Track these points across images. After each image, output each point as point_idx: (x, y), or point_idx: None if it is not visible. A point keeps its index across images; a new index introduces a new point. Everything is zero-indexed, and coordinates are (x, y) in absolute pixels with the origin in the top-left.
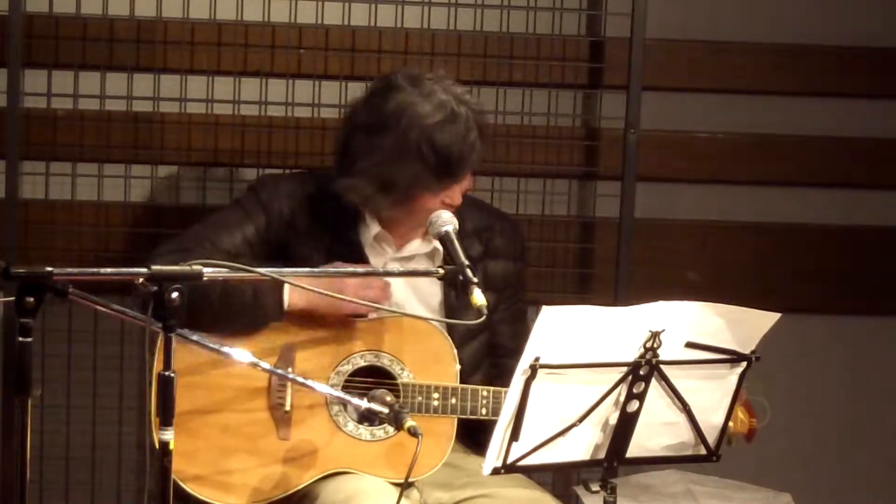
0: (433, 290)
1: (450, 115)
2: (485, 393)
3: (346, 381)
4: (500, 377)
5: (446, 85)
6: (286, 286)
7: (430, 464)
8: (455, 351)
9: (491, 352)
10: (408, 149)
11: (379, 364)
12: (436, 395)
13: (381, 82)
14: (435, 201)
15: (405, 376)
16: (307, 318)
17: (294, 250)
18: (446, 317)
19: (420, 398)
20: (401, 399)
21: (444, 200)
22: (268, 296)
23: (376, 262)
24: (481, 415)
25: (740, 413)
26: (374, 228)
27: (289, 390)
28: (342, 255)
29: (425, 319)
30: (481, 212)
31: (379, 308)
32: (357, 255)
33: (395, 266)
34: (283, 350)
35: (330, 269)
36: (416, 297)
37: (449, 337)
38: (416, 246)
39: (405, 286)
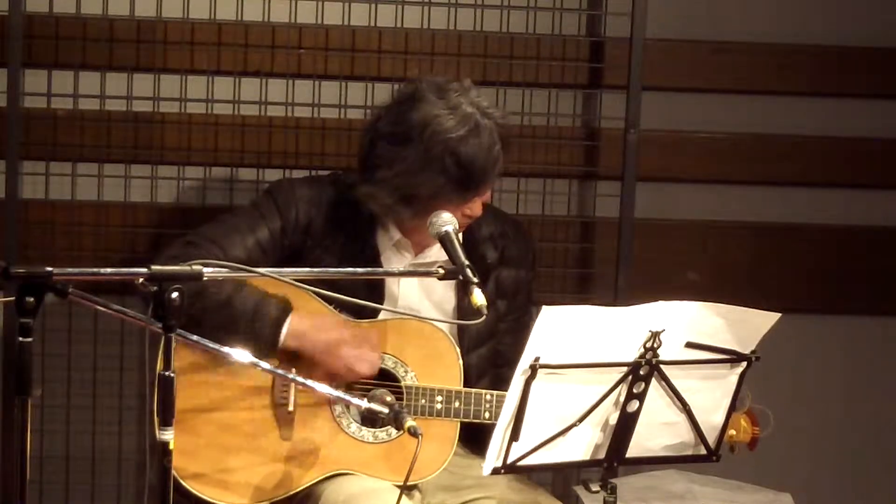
0: (448, 294)
1: (474, 128)
2: (488, 397)
3: (349, 382)
4: (500, 385)
5: (472, 97)
6: (287, 322)
7: (432, 467)
8: (459, 353)
9: (493, 360)
10: (430, 162)
11: (382, 366)
12: (439, 399)
13: (406, 90)
14: (456, 213)
15: (409, 379)
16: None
17: (308, 254)
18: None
19: (423, 401)
20: (404, 402)
21: (465, 212)
22: (266, 324)
23: (393, 266)
24: (484, 419)
25: (743, 421)
26: (395, 235)
27: (292, 390)
28: (355, 258)
29: (425, 320)
30: (495, 217)
31: (384, 309)
32: (372, 258)
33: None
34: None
35: (331, 270)
36: (430, 301)
37: (455, 340)
38: (435, 252)
39: (419, 290)
